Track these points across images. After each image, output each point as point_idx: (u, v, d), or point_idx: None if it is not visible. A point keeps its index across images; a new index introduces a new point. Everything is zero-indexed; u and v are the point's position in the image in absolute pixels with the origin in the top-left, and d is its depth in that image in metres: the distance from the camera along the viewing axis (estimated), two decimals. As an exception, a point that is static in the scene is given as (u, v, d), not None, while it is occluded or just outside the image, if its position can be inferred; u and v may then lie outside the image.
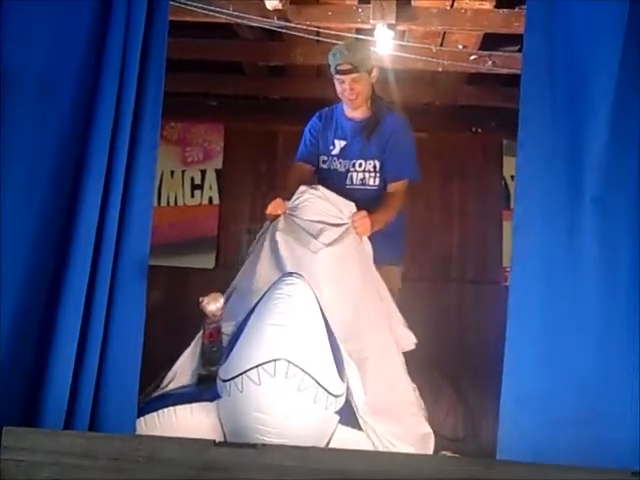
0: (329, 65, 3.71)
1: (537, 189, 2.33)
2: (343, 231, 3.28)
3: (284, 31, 4.21)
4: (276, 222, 3.30)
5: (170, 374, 2.81)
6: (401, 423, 2.83)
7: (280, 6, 3.69)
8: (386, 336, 3.17)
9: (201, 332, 2.78)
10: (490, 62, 4.47)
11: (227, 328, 2.74)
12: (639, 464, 2.09)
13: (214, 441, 2.13)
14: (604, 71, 2.31)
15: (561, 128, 2.35)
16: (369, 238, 3.45)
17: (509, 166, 5.56)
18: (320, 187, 3.44)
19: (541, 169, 2.34)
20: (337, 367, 2.50)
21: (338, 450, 2.37)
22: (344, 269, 3.14)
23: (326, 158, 3.85)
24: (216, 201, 5.91)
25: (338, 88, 3.72)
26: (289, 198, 3.39)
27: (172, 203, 5.88)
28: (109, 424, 2.34)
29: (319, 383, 2.40)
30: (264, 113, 5.82)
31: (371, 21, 3.91)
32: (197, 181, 5.92)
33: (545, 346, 2.27)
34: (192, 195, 5.92)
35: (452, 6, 3.94)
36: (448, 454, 3.33)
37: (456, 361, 5.14)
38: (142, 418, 2.52)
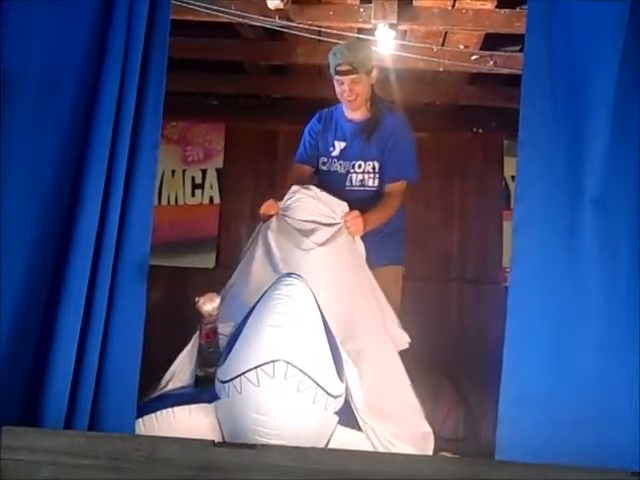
0: (329, 65, 3.71)
1: (537, 189, 2.33)
2: (335, 231, 3.28)
3: (286, 30, 4.22)
4: (269, 222, 3.30)
5: (168, 374, 2.80)
6: (400, 423, 2.83)
7: (282, 6, 3.69)
8: (383, 336, 3.17)
9: (198, 333, 2.77)
10: (491, 62, 4.47)
11: (225, 329, 2.73)
12: (639, 464, 2.09)
13: (213, 441, 2.13)
14: (604, 71, 2.31)
15: (561, 128, 2.34)
16: (366, 238, 3.45)
17: (510, 166, 5.56)
18: (312, 187, 3.43)
19: (541, 169, 2.34)
20: (336, 368, 2.50)
21: (337, 450, 2.37)
22: (337, 268, 3.14)
23: (326, 160, 3.85)
24: (217, 200, 5.91)
25: (337, 89, 3.71)
26: (282, 199, 3.39)
27: (172, 202, 5.89)
28: (109, 423, 2.34)
29: (318, 384, 2.40)
30: (265, 112, 5.82)
31: (372, 21, 3.91)
32: (198, 180, 5.93)
33: (545, 346, 2.26)
34: (193, 194, 5.92)
35: (453, 6, 3.95)
36: (448, 455, 3.34)
37: (456, 361, 5.15)
38: (140, 419, 2.52)
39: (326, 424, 2.54)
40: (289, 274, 2.60)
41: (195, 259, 5.79)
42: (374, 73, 3.73)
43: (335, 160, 3.83)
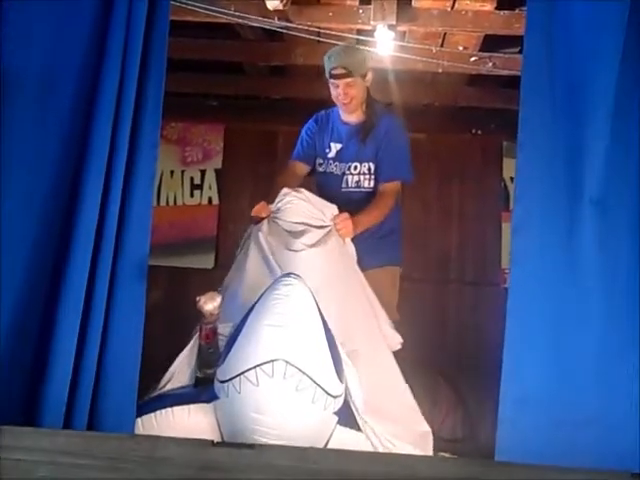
0: (324, 69, 3.71)
1: (537, 190, 2.33)
2: (325, 233, 3.28)
3: (285, 31, 4.22)
4: (260, 225, 3.32)
5: (167, 374, 2.80)
6: (399, 422, 2.83)
7: (281, 6, 3.69)
8: (376, 337, 3.18)
9: (197, 333, 2.77)
10: (490, 63, 4.47)
11: (224, 329, 2.73)
12: (639, 466, 2.08)
13: (212, 441, 2.13)
14: (604, 71, 2.31)
15: (561, 129, 2.34)
16: (361, 239, 3.46)
17: (509, 168, 5.57)
18: (303, 190, 3.43)
19: (541, 170, 2.34)
20: (335, 367, 2.50)
21: (336, 450, 2.37)
22: (327, 270, 3.14)
23: (322, 161, 3.86)
24: (215, 201, 5.91)
25: (332, 92, 3.72)
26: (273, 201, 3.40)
27: (171, 203, 5.89)
28: (109, 423, 2.34)
29: (317, 383, 2.40)
30: (264, 113, 5.82)
31: (372, 22, 3.91)
32: (197, 181, 5.93)
33: (545, 347, 2.26)
34: (191, 195, 5.92)
35: (453, 7, 3.95)
36: (447, 455, 3.34)
37: (455, 362, 5.14)
38: (139, 418, 2.51)
39: (325, 424, 2.54)
40: (288, 274, 2.60)
41: (194, 259, 5.79)
42: (369, 76, 3.73)
43: (331, 162, 3.83)
